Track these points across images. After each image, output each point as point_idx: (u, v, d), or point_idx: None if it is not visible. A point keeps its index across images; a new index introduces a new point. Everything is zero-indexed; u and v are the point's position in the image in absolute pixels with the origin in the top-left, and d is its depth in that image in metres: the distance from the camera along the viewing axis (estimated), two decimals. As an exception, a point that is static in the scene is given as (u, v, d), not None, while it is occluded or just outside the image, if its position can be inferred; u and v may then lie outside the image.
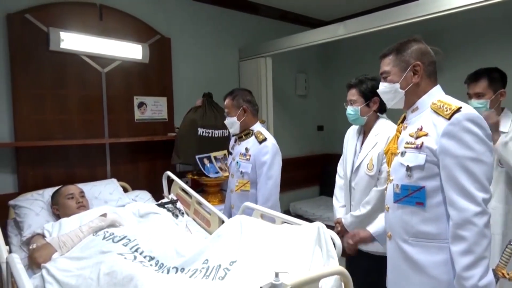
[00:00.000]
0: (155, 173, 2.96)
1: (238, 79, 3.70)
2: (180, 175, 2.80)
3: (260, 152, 2.07)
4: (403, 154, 1.32)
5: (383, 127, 1.85)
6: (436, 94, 1.32)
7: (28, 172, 2.43)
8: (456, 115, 1.18)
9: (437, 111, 1.24)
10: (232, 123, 2.17)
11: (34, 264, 1.59)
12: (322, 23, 4.14)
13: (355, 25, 2.72)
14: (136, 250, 1.55)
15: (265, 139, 2.08)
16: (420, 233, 1.28)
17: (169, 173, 2.47)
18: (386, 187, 1.44)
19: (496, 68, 2.00)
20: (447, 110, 1.21)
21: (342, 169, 2.07)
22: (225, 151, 2.84)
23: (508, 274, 1.30)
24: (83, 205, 2.06)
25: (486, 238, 1.14)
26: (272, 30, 3.85)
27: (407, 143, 1.31)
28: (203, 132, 2.84)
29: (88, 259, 1.48)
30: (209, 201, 2.27)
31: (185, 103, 3.10)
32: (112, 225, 1.79)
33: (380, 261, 1.78)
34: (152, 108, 3.00)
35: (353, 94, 1.90)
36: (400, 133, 1.41)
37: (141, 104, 2.94)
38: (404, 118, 1.44)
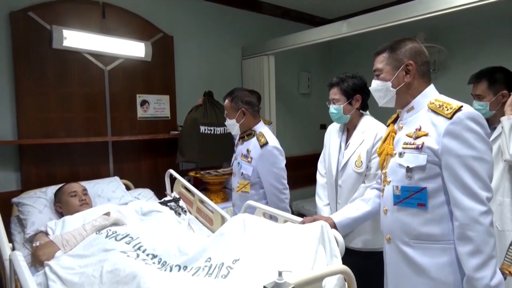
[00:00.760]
0: (158, 171, 2.97)
1: (241, 77, 3.69)
2: (183, 173, 2.80)
3: (261, 158, 2.02)
4: (401, 154, 1.29)
5: (369, 125, 1.87)
6: (430, 94, 1.30)
7: (31, 170, 2.44)
8: (458, 114, 1.17)
9: (436, 110, 1.22)
10: (232, 126, 2.14)
11: (37, 261, 1.60)
12: (325, 21, 4.12)
13: (358, 23, 2.71)
14: (138, 248, 1.55)
15: (266, 143, 2.01)
16: (423, 235, 1.25)
17: (171, 171, 2.47)
18: (383, 189, 1.40)
19: (501, 68, 1.91)
20: (448, 109, 1.19)
21: (324, 167, 2.06)
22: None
23: (514, 272, 1.30)
24: (86, 203, 2.06)
25: (492, 237, 1.13)
26: (275, 28, 3.83)
27: (405, 143, 1.29)
28: (205, 129, 2.84)
29: (91, 257, 1.48)
30: (211, 199, 2.26)
31: (188, 101, 3.09)
32: (116, 223, 1.79)
33: (367, 257, 1.80)
34: (154, 106, 3.00)
35: (335, 93, 1.90)
36: (395, 134, 1.38)
37: (143, 102, 2.94)
38: (397, 117, 1.42)
